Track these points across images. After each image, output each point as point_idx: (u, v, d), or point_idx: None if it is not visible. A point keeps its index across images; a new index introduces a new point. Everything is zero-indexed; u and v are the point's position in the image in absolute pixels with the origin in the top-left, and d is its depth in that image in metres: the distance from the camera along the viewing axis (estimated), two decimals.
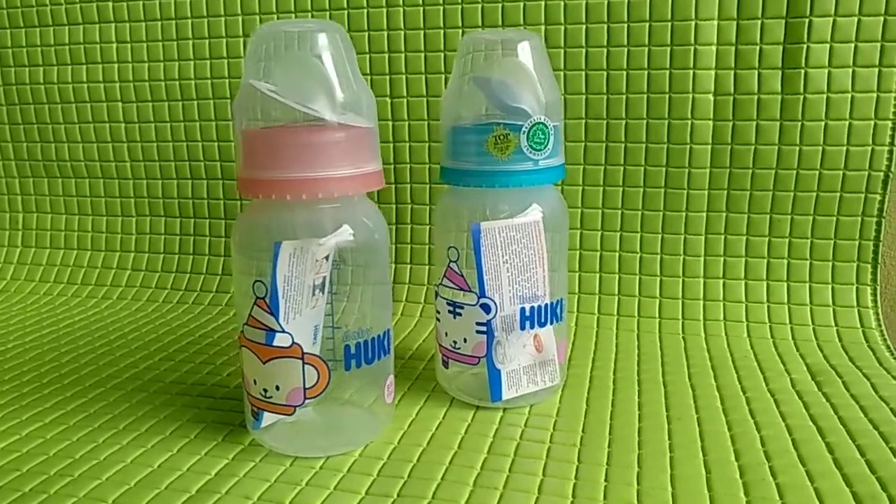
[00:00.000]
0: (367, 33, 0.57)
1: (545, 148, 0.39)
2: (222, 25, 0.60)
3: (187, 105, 0.62)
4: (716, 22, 0.51)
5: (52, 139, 0.66)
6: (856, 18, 0.49)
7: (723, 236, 0.55)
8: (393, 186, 0.59)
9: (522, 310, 0.40)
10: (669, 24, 0.52)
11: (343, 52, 0.35)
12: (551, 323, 0.41)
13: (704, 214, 0.55)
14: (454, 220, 0.42)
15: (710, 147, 0.53)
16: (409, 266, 0.60)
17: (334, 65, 0.34)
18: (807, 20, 0.50)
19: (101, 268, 0.66)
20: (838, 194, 0.52)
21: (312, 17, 0.58)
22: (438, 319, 0.43)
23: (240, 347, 0.37)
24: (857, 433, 0.38)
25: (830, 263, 0.53)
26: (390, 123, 0.58)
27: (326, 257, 0.36)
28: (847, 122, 0.51)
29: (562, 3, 0.53)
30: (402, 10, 0.56)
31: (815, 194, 0.52)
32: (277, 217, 0.36)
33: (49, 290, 0.65)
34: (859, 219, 0.52)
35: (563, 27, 0.54)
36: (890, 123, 0.50)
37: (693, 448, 0.37)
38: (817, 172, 0.52)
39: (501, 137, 0.38)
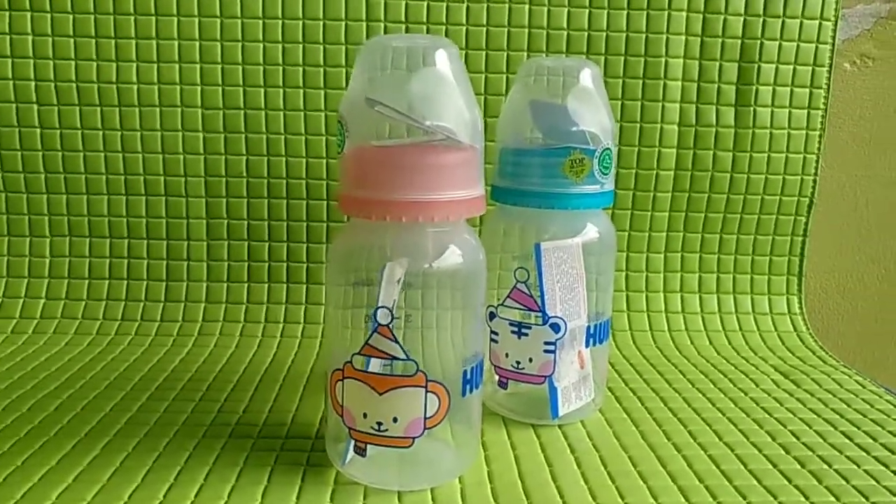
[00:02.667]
0: None
1: (609, 172, 0.41)
2: (166, 25, 0.55)
3: (126, 112, 0.55)
4: (682, 60, 0.57)
5: None
6: (792, 66, 0.58)
7: (680, 254, 0.60)
8: None
9: (597, 326, 0.42)
10: (643, 59, 0.57)
11: (462, 68, 0.34)
12: (605, 340, 0.43)
13: (664, 234, 0.60)
14: (509, 240, 0.43)
15: (673, 173, 0.59)
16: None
17: (457, 82, 0.33)
18: (756, 65, 0.57)
19: (4, 297, 0.56)
20: (775, 217, 0.60)
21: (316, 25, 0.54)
22: (495, 341, 0.42)
23: (339, 380, 0.34)
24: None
25: (766, 277, 0.61)
26: None
27: (398, 280, 0.35)
28: (784, 155, 0.59)
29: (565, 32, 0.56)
30: (464, 28, 0.54)
31: (756, 217, 0.60)
32: (391, 238, 0.34)
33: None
34: (789, 238, 0.60)
35: (545, 54, 0.56)
36: (815, 157, 0.59)
37: (747, 446, 0.40)
38: (760, 198, 0.59)
39: (578, 161, 0.40)
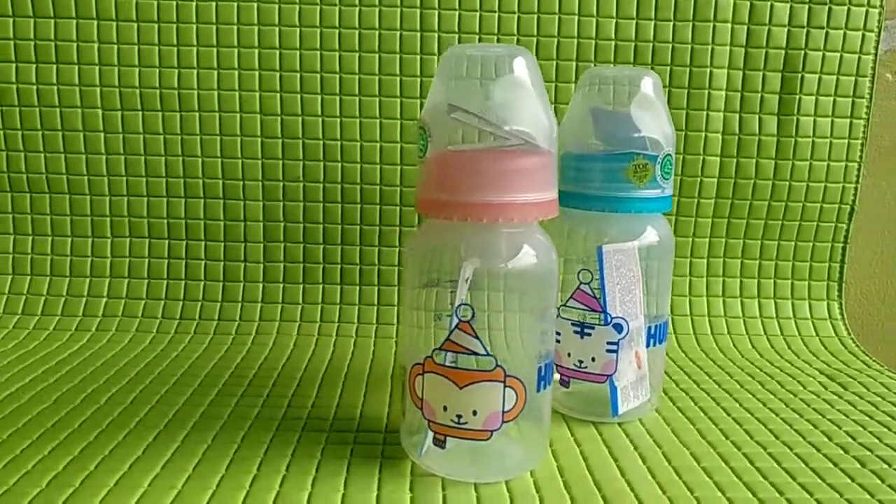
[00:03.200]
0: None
1: (670, 177, 0.42)
2: (227, 33, 0.56)
3: (187, 117, 0.57)
4: (726, 70, 0.58)
5: (4, 147, 0.57)
6: (835, 77, 0.59)
7: (722, 259, 0.61)
8: None
9: (657, 328, 0.43)
10: (688, 69, 0.58)
11: (539, 75, 0.35)
12: (663, 341, 0.45)
13: (707, 240, 0.61)
14: (570, 242, 0.44)
15: (716, 180, 0.60)
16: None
17: (535, 89, 0.35)
18: (799, 75, 0.59)
19: (68, 295, 0.58)
20: (816, 223, 0.61)
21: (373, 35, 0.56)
22: (558, 341, 0.44)
23: (420, 375, 0.35)
24: None
25: (807, 283, 0.62)
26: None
27: (467, 279, 0.36)
28: (826, 163, 0.60)
29: (593, 43, 0.58)
30: (535, 40, 0.56)
31: (797, 223, 0.61)
32: (467, 240, 0.35)
33: (20, 322, 0.56)
34: (830, 244, 0.61)
35: (592, 64, 0.58)
36: (856, 165, 0.60)
37: (803, 445, 0.42)
38: (801, 205, 0.61)
39: (641, 167, 0.41)
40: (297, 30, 0.56)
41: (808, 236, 0.61)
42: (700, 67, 0.58)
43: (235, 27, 0.56)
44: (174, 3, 0.56)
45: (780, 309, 0.61)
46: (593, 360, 0.43)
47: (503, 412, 0.35)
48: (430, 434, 0.36)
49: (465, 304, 0.34)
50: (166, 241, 0.59)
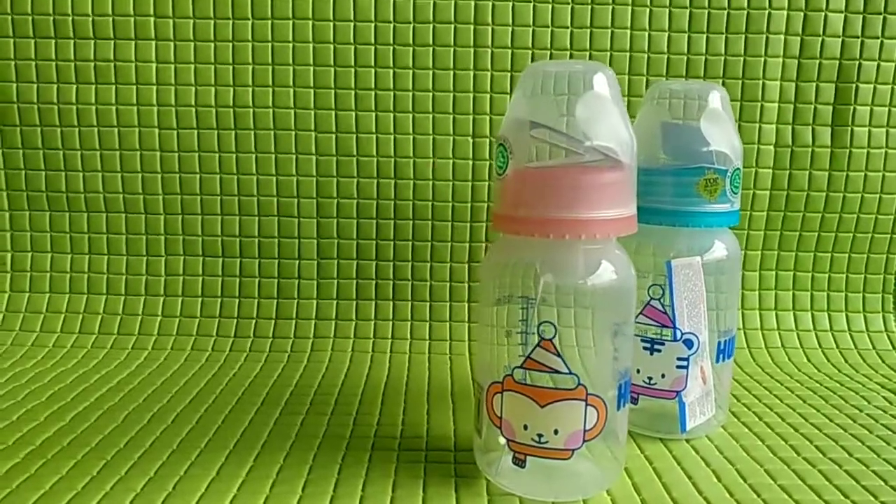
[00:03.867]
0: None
1: (738, 191, 0.42)
2: (282, 51, 0.57)
3: (242, 135, 0.58)
4: (779, 82, 0.58)
5: (62, 168, 0.58)
6: (890, 87, 0.58)
7: (774, 272, 0.61)
8: None
9: (727, 342, 0.43)
10: (740, 81, 0.58)
11: (618, 91, 0.35)
12: (729, 357, 0.44)
13: (759, 252, 0.61)
14: (643, 258, 0.44)
15: (769, 192, 0.60)
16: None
17: (615, 105, 0.35)
18: (854, 85, 0.58)
19: (124, 314, 0.58)
20: (870, 235, 0.60)
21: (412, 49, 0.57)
22: None
23: (499, 393, 0.35)
24: None
25: (860, 295, 0.61)
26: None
27: (537, 296, 0.36)
28: (881, 174, 0.59)
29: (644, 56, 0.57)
30: (588, 54, 0.56)
31: (851, 235, 0.60)
32: (549, 256, 0.35)
33: (60, 341, 0.56)
34: (885, 256, 0.61)
35: (646, 78, 0.58)
36: None
37: (879, 462, 0.41)
38: (855, 216, 0.60)
39: (711, 181, 0.41)
40: (352, 47, 0.57)
41: (862, 248, 0.61)
42: (753, 80, 0.58)
43: (290, 45, 0.57)
44: (230, 21, 0.56)
45: (834, 322, 0.61)
46: (663, 376, 0.43)
47: (584, 431, 0.35)
48: (511, 453, 0.35)
49: (548, 322, 0.34)
50: (220, 259, 0.59)
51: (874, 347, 0.60)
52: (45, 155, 0.58)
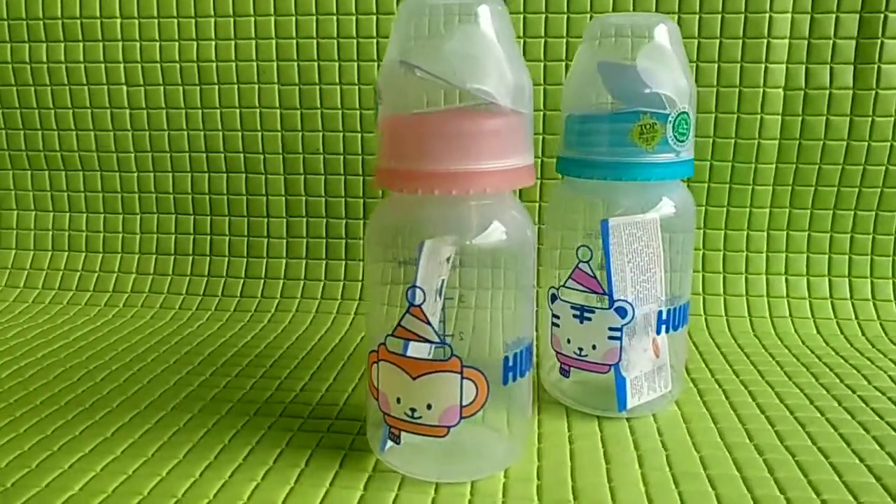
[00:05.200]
0: None
1: (687, 139, 0.37)
2: (250, 4, 0.55)
3: (206, 90, 0.56)
4: (790, 15, 0.51)
5: (41, 126, 0.58)
6: None
7: (785, 232, 0.54)
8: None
9: (659, 314, 0.38)
10: (743, 15, 0.51)
11: (507, 27, 0.31)
12: (681, 326, 0.39)
13: (767, 210, 0.54)
14: (575, 216, 0.39)
15: (777, 142, 0.52)
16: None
17: (500, 41, 0.30)
18: (882, 15, 0.50)
19: (100, 272, 0.59)
20: None
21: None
22: (557, 325, 0.39)
23: (375, 363, 0.32)
24: None
25: (891, 259, 0.53)
26: None
27: (448, 258, 0.32)
28: None
29: None
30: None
31: (879, 190, 0.53)
32: (430, 214, 0.32)
33: (56, 297, 0.58)
34: None
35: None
36: None
37: (846, 454, 0.35)
38: (884, 168, 0.52)
39: (648, 127, 0.36)
40: None
41: (893, 205, 0.53)
42: (757, 13, 0.51)
43: None
44: None
45: (855, 289, 0.53)
46: (594, 347, 0.38)
47: (461, 406, 0.31)
48: (387, 428, 0.33)
49: (415, 287, 0.31)
50: (191, 217, 0.58)
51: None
52: (22, 114, 0.58)
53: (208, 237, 0.58)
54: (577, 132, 0.38)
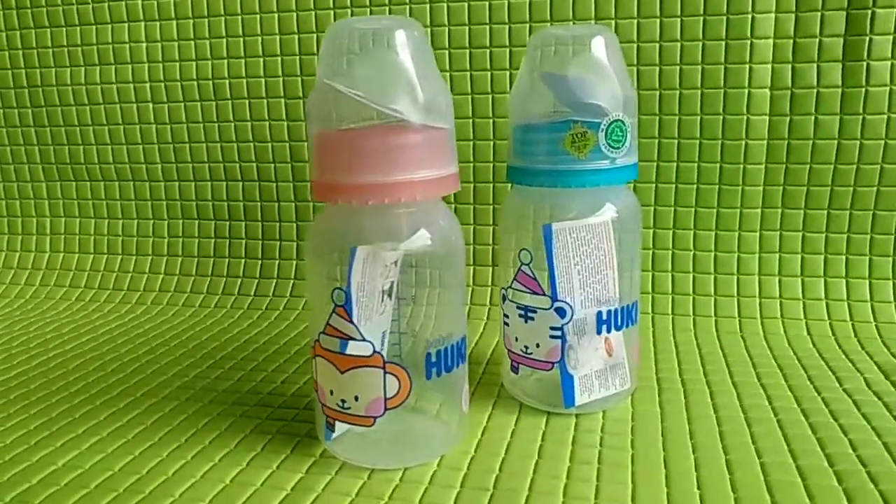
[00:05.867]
0: (429, 29, 0.55)
1: (622, 146, 0.38)
2: (256, 23, 0.59)
3: (221, 105, 0.61)
4: (773, 14, 0.50)
5: (80, 142, 0.65)
6: None
7: (778, 232, 0.53)
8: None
9: (599, 314, 0.39)
10: (724, 17, 0.51)
11: (422, 49, 0.33)
12: (627, 326, 0.40)
13: (759, 210, 0.53)
14: (524, 220, 0.41)
15: (765, 143, 0.52)
16: (472, 267, 0.59)
17: (414, 63, 0.33)
18: (869, 11, 0.49)
19: (133, 272, 0.65)
20: None
21: (372, 11, 0.56)
22: (507, 324, 0.41)
23: (313, 357, 0.35)
24: None
25: (891, 259, 0.52)
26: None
27: (395, 262, 0.35)
28: None
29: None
30: (466, 4, 0.54)
31: (875, 189, 0.51)
32: (355, 221, 0.34)
33: (81, 295, 0.64)
34: None
35: (613, 21, 0.53)
36: None
37: (782, 453, 0.36)
38: (878, 167, 0.51)
39: (580, 136, 0.37)
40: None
41: (891, 204, 0.51)
42: (739, 14, 0.51)
43: (257, 16, 0.59)
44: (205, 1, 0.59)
45: (852, 290, 0.52)
46: (538, 345, 0.40)
47: (385, 399, 0.34)
48: (324, 417, 0.36)
49: (339, 289, 0.33)
50: (212, 222, 0.63)
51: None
52: (66, 132, 0.65)
53: (227, 241, 0.63)
54: (521, 141, 0.40)
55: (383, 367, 0.34)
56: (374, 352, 0.33)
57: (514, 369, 0.42)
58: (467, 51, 0.55)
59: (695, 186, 0.54)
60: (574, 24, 0.53)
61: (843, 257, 0.53)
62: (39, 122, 0.65)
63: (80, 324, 0.58)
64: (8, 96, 0.65)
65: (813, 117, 0.51)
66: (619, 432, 0.38)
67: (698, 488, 0.33)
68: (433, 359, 0.34)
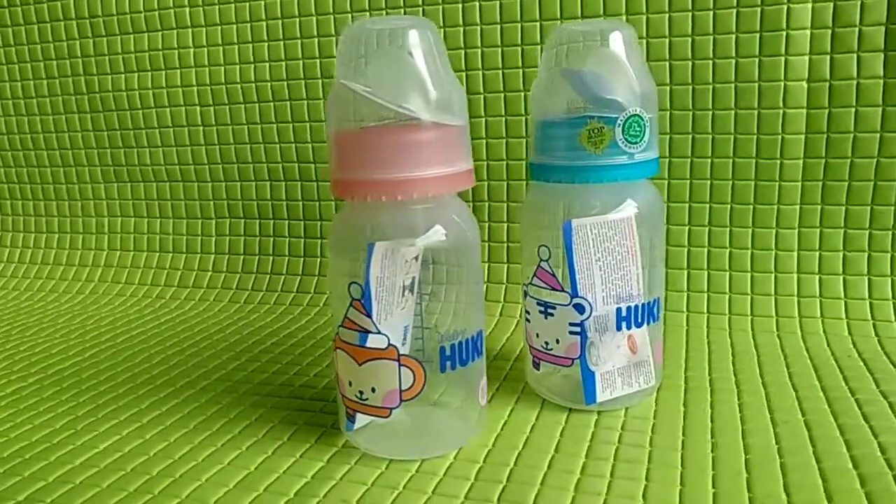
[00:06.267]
0: (442, 30, 0.56)
1: (641, 141, 0.38)
2: (296, 27, 0.61)
3: (263, 107, 0.63)
4: (810, 4, 0.49)
5: (134, 144, 0.68)
6: None
7: (818, 230, 0.52)
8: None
9: (619, 310, 0.39)
10: (759, 8, 0.50)
11: (435, 48, 0.34)
12: (648, 323, 0.40)
13: (798, 207, 0.52)
14: (543, 217, 0.41)
15: (803, 137, 0.51)
16: (487, 264, 0.59)
17: (426, 62, 0.33)
18: None
19: (184, 269, 0.67)
20: None
21: (388, 13, 0.58)
22: (528, 320, 0.42)
23: (335, 350, 0.36)
24: None
25: None
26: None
27: (416, 258, 0.36)
28: None
29: None
30: (477, 4, 0.55)
31: None
32: (372, 218, 0.35)
33: (135, 291, 0.67)
34: None
35: (644, 16, 0.52)
36: None
37: (805, 454, 0.35)
38: None
39: (596, 131, 0.37)
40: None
41: None
42: (774, 6, 0.50)
43: (297, 20, 0.61)
44: (248, 3, 0.62)
45: (874, 288, 0.51)
46: (557, 341, 0.40)
47: (401, 391, 0.35)
48: (344, 408, 0.37)
49: (355, 283, 0.34)
50: (257, 221, 0.65)
51: None
52: (121, 135, 0.68)
53: (271, 238, 0.65)
54: (541, 138, 0.40)
55: (398, 360, 0.34)
56: (390, 344, 0.34)
57: (536, 365, 0.42)
58: (479, 50, 0.56)
59: (730, 183, 0.53)
60: (601, 18, 0.52)
61: (889, 255, 0.51)
62: (98, 127, 0.69)
63: (132, 318, 0.61)
64: (69, 103, 0.69)
65: (853, 110, 0.49)
66: (639, 429, 0.38)
67: (713, 486, 0.33)
68: (447, 352, 0.35)
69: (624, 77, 0.38)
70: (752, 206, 0.53)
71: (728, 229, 0.54)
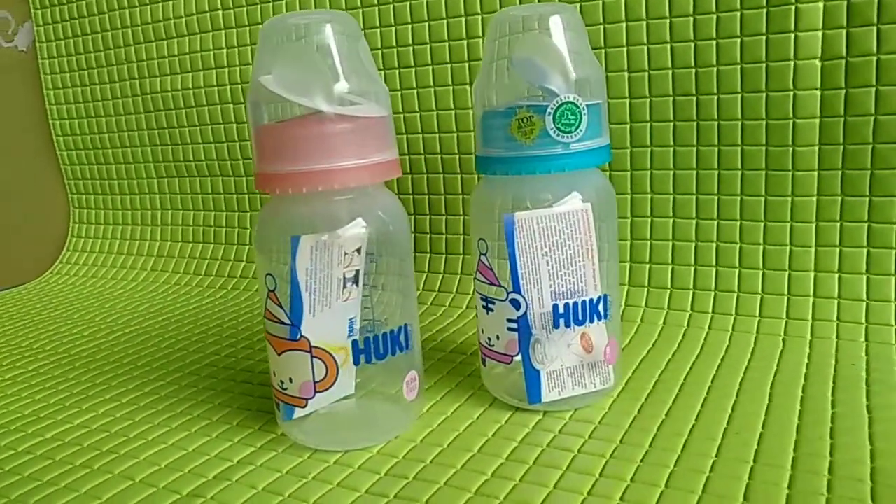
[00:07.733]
0: (392, 28, 0.57)
1: (576, 130, 0.36)
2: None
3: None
4: None
5: (180, 141, 0.72)
6: None
7: (838, 223, 0.47)
8: (425, 177, 0.60)
9: (567, 306, 0.37)
10: None
11: (347, 41, 0.34)
12: (596, 320, 0.38)
13: (814, 198, 0.47)
14: (486, 210, 0.40)
15: (817, 121, 0.46)
16: (443, 256, 0.60)
17: (338, 55, 0.33)
18: None
19: (221, 260, 0.71)
20: None
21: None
22: (477, 315, 0.41)
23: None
24: None
25: None
26: (418, 115, 0.59)
27: (357, 250, 0.36)
28: None
29: None
30: (425, 2, 0.54)
31: None
32: (293, 211, 0.36)
33: (178, 280, 0.71)
34: None
35: None
36: None
37: (738, 469, 0.32)
38: None
39: (525, 120, 0.36)
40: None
41: None
42: None
43: None
44: (284, 2, 0.64)
45: None
46: (497, 337, 0.39)
47: (314, 382, 0.35)
48: (275, 398, 0.38)
49: (269, 275, 0.35)
50: None
51: None
52: (169, 132, 0.73)
53: (202, 228, 0.68)
54: (481, 129, 0.39)
55: (310, 352, 0.35)
56: (301, 336, 0.35)
57: (483, 361, 0.41)
58: (428, 46, 0.55)
59: (739, 172, 0.49)
60: (547, 1, 0.50)
61: None
62: (150, 126, 0.74)
63: (166, 305, 0.65)
64: (126, 104, 0.75)
65: (874, 89, 0.44)
66: (576, 433, 0.37)
67: (622, 500, 0.31)
68: (360, 346, 0.35)
69: (556, 63, 0.36)
70: (763, 198, 0.48)
71: (738, 223, 0.50)
